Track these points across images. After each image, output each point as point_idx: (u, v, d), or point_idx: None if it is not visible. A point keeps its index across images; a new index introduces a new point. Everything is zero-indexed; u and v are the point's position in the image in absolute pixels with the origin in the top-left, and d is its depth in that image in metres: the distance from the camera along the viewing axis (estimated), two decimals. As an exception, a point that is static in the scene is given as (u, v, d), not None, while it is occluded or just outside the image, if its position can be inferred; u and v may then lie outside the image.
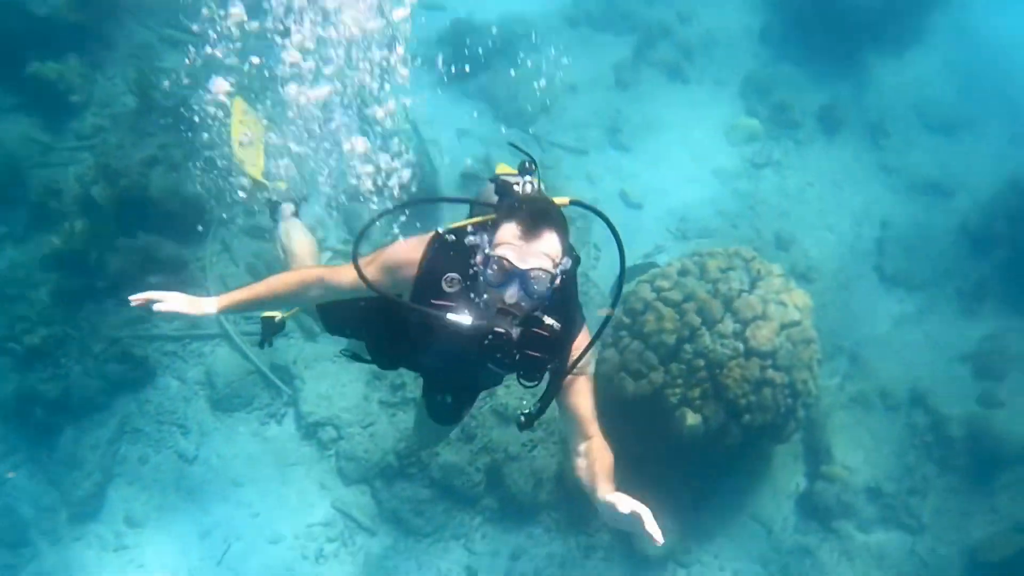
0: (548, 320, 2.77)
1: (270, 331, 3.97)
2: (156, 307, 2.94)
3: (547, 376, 2.95)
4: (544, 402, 2.98)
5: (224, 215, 6.93)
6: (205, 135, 7.25)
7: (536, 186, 3.11)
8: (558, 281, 2.67)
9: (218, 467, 6.26)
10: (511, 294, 2.63)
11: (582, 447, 2.88)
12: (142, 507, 6.09)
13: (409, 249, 2.93)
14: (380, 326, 3.25)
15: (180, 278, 6.55)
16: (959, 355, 7.64)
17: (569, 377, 2.90)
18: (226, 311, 3.15)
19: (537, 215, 2.65)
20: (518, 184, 3.10)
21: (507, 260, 2.59)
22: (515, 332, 2.68)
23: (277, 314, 3.87)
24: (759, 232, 8.20)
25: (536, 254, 2.60)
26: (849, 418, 7.01)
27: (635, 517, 2.37)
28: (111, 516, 6.07)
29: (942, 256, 8.49)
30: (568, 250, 2.72)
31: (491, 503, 6.33)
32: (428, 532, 6.24)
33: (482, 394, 3.47)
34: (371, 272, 2.91)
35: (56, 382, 6.14)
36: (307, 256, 4.37)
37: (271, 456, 6.36)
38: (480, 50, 8.38)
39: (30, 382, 6.14)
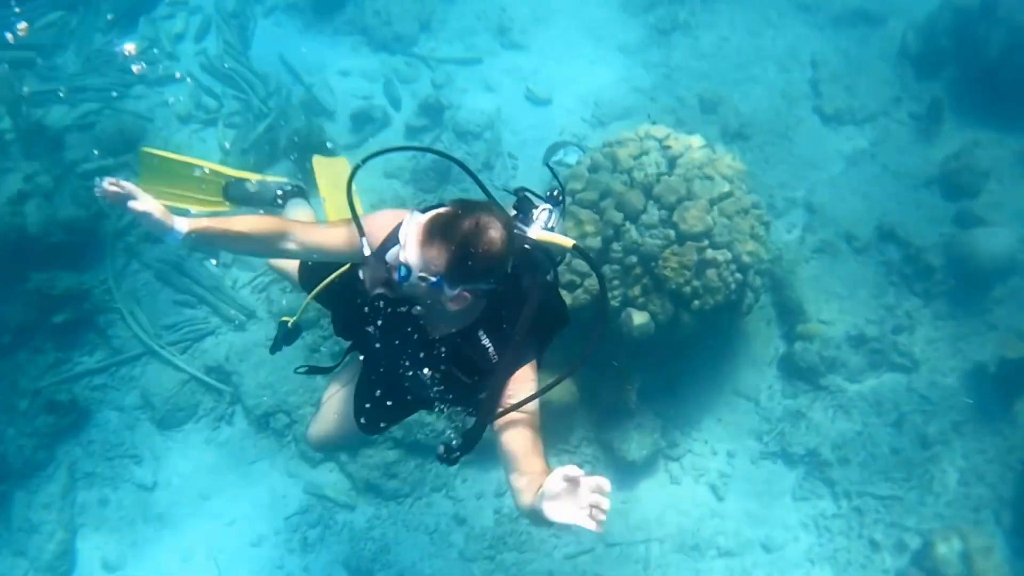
0: (483, 340, 2.78)
1: (285, 338, 3.91)
2: (131, 204, 2.77)
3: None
4: (468, 439, 2.86)
5: (118, 225, 6.54)
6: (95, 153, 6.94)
7: (548, 220, 3.04)
8: (422, 287, 2.63)
9: (181, 486, 6.04)
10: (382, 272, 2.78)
11: (519, 482, 2.60)
12: (116, 548, 5.89)
13: (385, 220, 2.96)
14: (345, 294, 3.22)
15: (86, 307, 6.21)
16: (924, 181, 7.10)
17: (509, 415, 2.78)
18: (194, 236, 2.93)
19: (437, 227, 2.61)
20: (537, 210, 3.07)
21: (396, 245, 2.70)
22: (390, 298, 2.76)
23: (290, 319, 3.85)
24: (681, 100, 7.62)
25: (410, 252, 2.62)
26: (817, 270, 6.60)
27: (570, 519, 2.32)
28: (88, 567, 5.89)
29: (886, 84, 7.85)
30: (468, 276, 2.61)
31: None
32: (407, 492, 6.05)
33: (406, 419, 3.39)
34: (344, 232, 3.01)
35: (-12, 453, 5.92)
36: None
37: (231, 459, 6.13)
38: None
39: (-42, 463, 5.92)
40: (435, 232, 2.57)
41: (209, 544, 6.01)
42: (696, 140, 5.84)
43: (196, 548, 5.99)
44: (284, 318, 3.78)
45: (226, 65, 7.37)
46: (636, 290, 5.43)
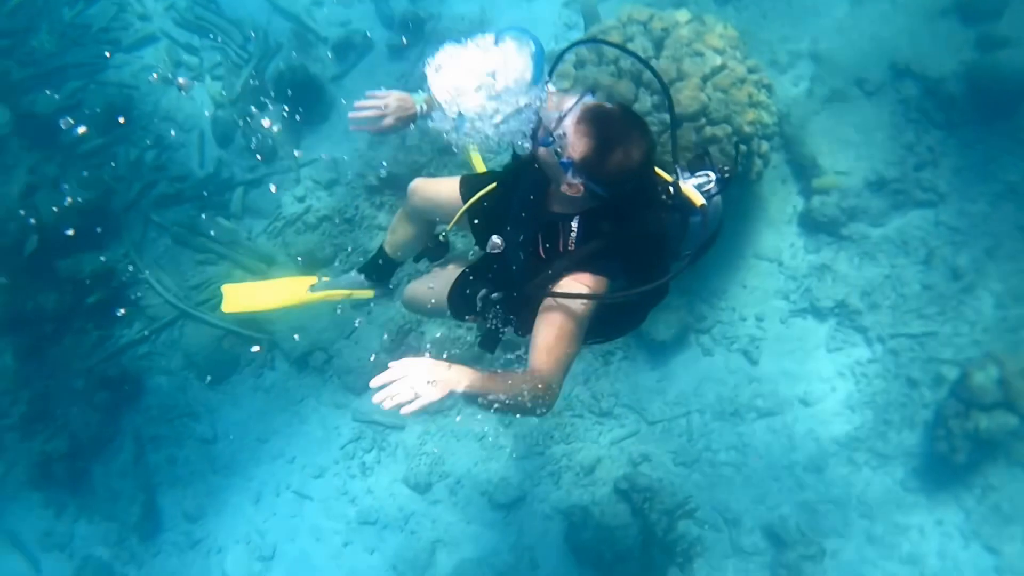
0: (573, 227, 2.79)
1: (433, 252, 3.79)
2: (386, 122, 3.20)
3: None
4: (507, 305, 3.06)
5: (128, 197, 6.65)
6: (81, 128, 6.91)
7: (704, 185, 2.96)
8: (553, 160, 2.66)
9: (239, 434, 6.39)
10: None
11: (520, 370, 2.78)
12: (193, 500, 6.35)
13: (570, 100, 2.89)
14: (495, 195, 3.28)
15: (115, 284, 6.43)
16: (939, 10, 6.44)
17: (546, 302, 2.80)
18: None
19: (595, 118, 2.62)
20: (705, 173, 3.00)
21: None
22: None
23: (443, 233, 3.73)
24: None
25: (563, 125, 2.63)
26: (828, 121, 6.28)
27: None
28: (173, 521, 6.38)
29: None
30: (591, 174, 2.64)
31: (498, 353, 6.22)
32: (450, 405, 6.24)
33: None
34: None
35: (60, 435, 6.30)
36: None
37: (279, 402, 6.43)
38: None
39: (38, 447, 6.31)
40: (590, 122, 2.61)
41: (276, 483, 6.42)
42: (682, 15, 5.56)
43: (264, 488, 6.42)
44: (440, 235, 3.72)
45: (197, 16, 7.19)
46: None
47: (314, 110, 6.72)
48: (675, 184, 2.91)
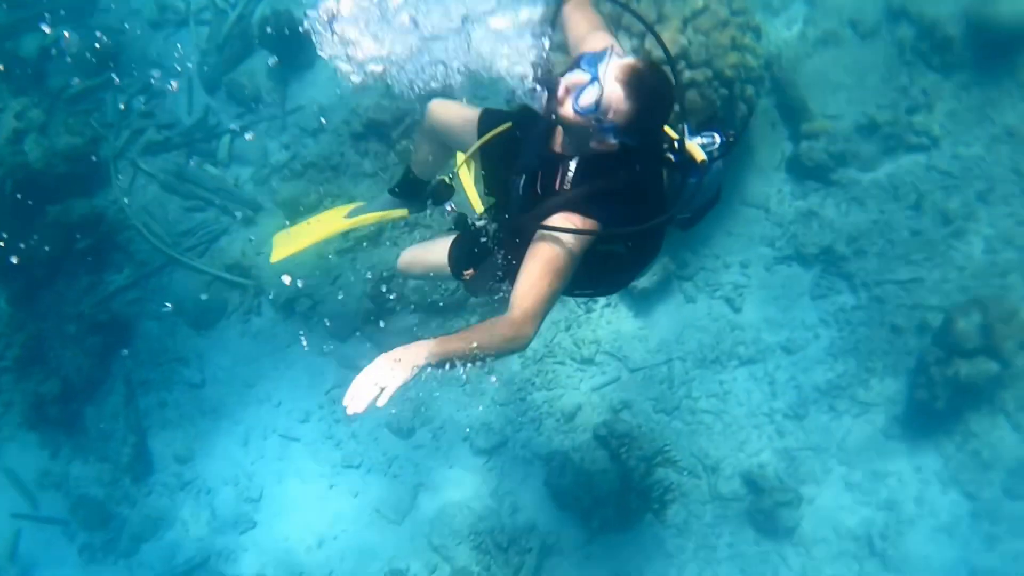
0: (571, 167, 2.80)
1: (435, 195, 3.85)
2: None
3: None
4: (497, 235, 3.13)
5: (116, 144, 6.68)
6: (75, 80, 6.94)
7: (708, 144, 2.92)
8: (593, 123, 2.62)
9: (226, 379, 6.48)
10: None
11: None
12: (183, 442, 6.46)
13: (596, 43, 2.94)
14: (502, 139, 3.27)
15: (104, 229, 6.49)
16: None
17: (535, 237, 2.82)
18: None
19: (639, 81, 2.57)
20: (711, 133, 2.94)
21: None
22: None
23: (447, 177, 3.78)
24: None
25: (605, 93, 2.58)
26: (821, 64, 6.10)
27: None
28: (163, 463, 6.50)
29: None
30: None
31: (478, 300, 6.19)
32: (425, 376, 6.26)
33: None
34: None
35: (53, 378, 6.41)
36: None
37: (266, 347, 6.48)
38: None
39: (32, 388, 6.44)
40: (635, 87, 2.57)
41: (263, 426, 6.49)
42: None
43: (252, 432, 6.50)
44: (441, 177, 3.74)
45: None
46: (612, 119, 5.26)
47: (300, 56, 6.66)
48: (680, 141, 2.90)
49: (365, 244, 6.38)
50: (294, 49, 6.66)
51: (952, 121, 5.96)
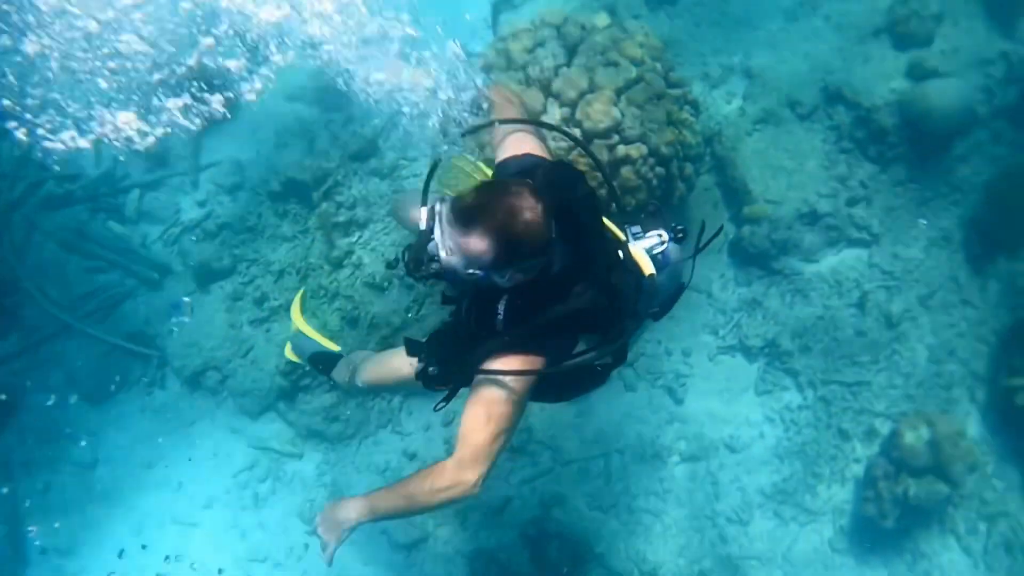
0: (500, 309, 2.65)
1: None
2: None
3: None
4: (440, 377, 2.97)
5: (10, 197, 6.07)
6: None
7: (655, 247, 2.97)
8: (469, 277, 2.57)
9: (122, 459, 5.85)
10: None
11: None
12: (67, 533, 5.73)
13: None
14: None
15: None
16: (872, 31, 6.08)
17: (477, 379, 2.72)
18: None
19: (471, 216, 2.49)
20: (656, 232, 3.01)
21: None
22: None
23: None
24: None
25: (452, 250, 2.54)
26: (761, 143, 5.89)
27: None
28: (40, 558, 5.74)
29: None
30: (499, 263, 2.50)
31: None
32: (351, 434, 5.80)
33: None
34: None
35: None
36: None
37: (169, 424, 5.89)
38: None
39: None
40: (471, 221, 2.46)
41: (160, 513, 5.86)
42: (601, 19, 5.16)
43: (148, 519, 5.84)
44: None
45: None
46: (548, 200, 4.88)
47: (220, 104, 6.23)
48: (625, 247, 2.86)
49: (281, 312, 5.92)
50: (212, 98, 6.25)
51: (891, 218, 5.78)
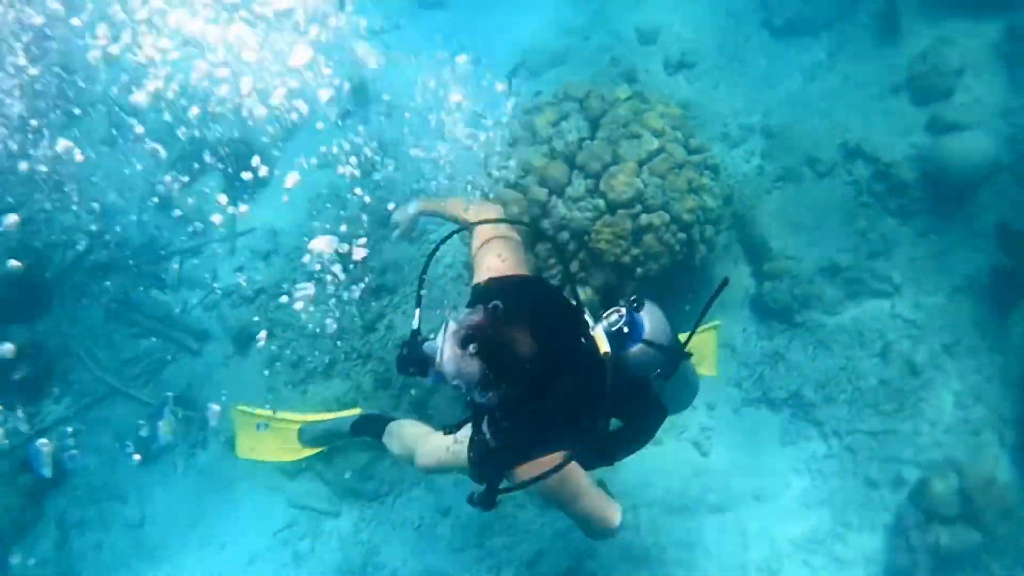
0: (484, 428, 2.96)
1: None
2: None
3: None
4: (484, 499, 3.15)
5: (62, 266, 6.37)
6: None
7: (616, 323, 3.15)
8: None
9: (167, 518, 6.02)
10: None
11: None
12: (119, 589, 6.04)
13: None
14: None
15: (44, 358, 6.10)
16: (891, 88, 6.26)
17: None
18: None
19: (467, 339, 2.74)
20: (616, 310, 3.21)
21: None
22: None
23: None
24: (617, 35, 6.95)
25: (445, 360, 2.76)
26: (780, 201, 6.04)
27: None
28: (93, 613, 6.06)
29: None
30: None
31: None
32: (386, 491, 5.93)
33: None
34: None
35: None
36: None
37: (211, 483, 6.06)
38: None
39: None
40: (466, 343, 2.72)
41: (205, 570, 6.01)
42: (622, 91, 5.35)
43: (193, 576, 6.15)
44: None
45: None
46: (574, 266, 5.06)
47: (254, 175, 6.44)
48: (587, 333, 3.05)
49: (318, 375, 6.09)
50: (248, 167, 6.42)
51: (913, 268, 5.86)
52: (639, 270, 5.03)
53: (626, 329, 3.05)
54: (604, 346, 2.97)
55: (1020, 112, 5.97)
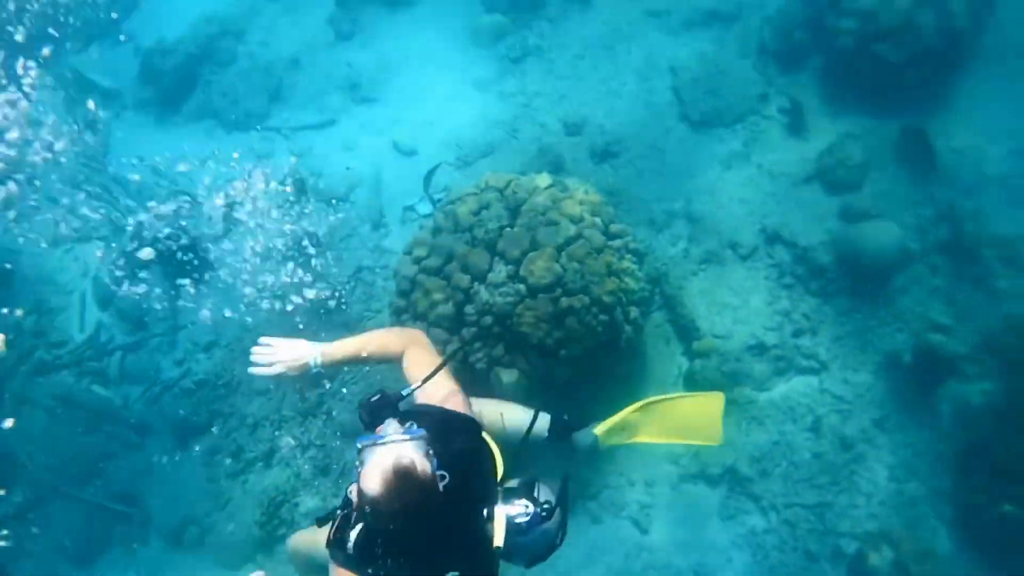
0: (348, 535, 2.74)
1: None
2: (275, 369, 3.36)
3: None
4: None
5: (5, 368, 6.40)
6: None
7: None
8: None
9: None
10: None
11: None
12: None
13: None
14: None
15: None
16: (803, 178, 6.47)
17: None
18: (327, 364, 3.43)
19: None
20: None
21: None
22: None
23: None
24: (544, 127, 7.24)
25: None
26: (706, 282, 6.18)
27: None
28: None
29: (750, 83, 7.20)
30: None
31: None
32: None
33: None
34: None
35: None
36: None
37: (152, 582, 6.08)
38: (179, 67, 7.74)
39: None
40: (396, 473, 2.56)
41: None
42: (543, 179, 5.51)
43: None
44: None
45: (84, 175, 7.12)
46: (499, 349, 5.13)
47: (196, 270, 6.50)
48: (491, 511, 2.85)
49: (258, 464, 6.10)
50: (189, 263, 6.51)
51: (837, 346, 5.96)
52: (563, 352, 5.11)
53: (525, 525, 2.95)
54: (499, 537, 2.82)
55: (924, 204, 6.21)
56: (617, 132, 7.14)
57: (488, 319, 5.10)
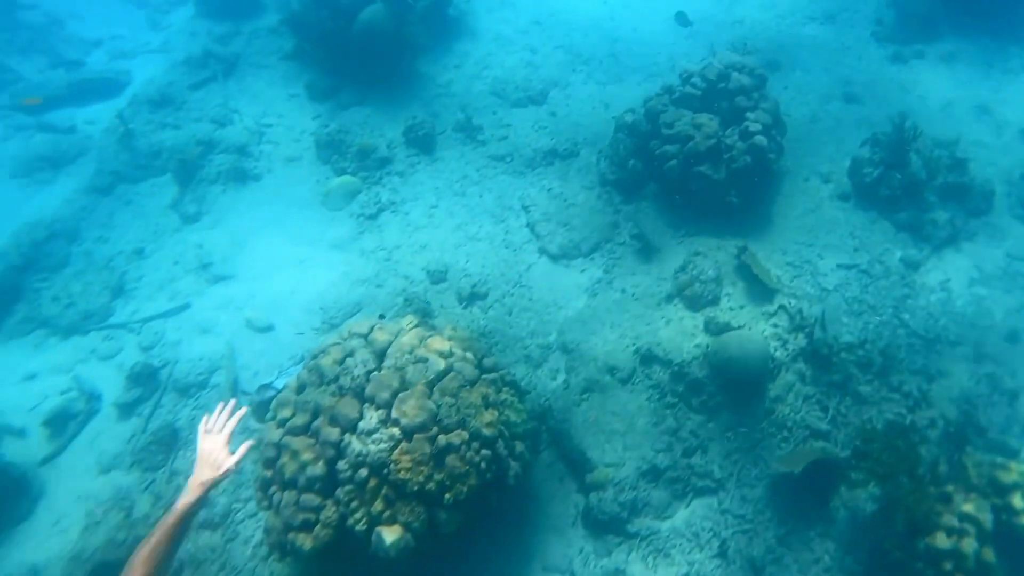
0: None
1: None
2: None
3: None
4: None
5: None
6: None
7: None
8: None
9: None
10: None
11: None
12: None
13: None
14: None
15: None
16: (665, 297, 6.67)
17: None
18: None
19: None
20: None
21: None
22: None
23: None
24: (408, 278, 7.23)
25: None
26: (590, 411, 6.01)
27: None
28: None
29: (598, 213, 7.60)
30: None
31: None
32: None
33: None
34: None
35: None
36: None
37: None
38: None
39: None
40: None
41: None
42: (407, 321, 5.38)
43: None
44: None
45: None
46: (379, 504, 4.68)
47: (12, 508, 5.85)
48: None
49: None
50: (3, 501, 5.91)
51: (730, 462, 5.84)
52: (447, 495, 4.71)
53: None
54: None
55: (779, 314, 6.42)
56: (481, 274, 7.20)
57: (363, 472, 4.69)
